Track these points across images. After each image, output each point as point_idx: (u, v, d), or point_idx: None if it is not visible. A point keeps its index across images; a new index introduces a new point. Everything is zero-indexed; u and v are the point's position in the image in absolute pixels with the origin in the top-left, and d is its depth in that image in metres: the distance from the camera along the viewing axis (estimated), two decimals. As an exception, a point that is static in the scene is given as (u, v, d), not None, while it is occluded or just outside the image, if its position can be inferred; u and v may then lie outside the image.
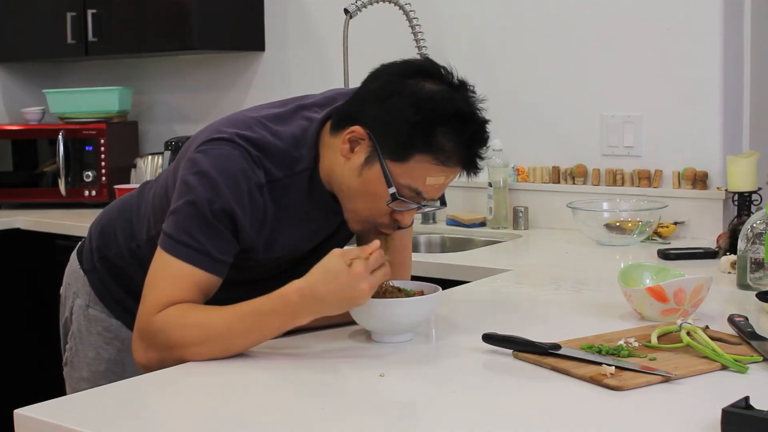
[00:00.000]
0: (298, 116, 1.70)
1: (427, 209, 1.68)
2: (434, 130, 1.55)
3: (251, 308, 1.53)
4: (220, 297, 1.61)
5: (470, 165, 1.61)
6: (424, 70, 1.61)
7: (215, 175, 1.57)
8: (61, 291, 2.01)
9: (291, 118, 1.69)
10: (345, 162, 1.62)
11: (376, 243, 1.53)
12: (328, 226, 1.76)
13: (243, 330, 1.52)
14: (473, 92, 1.63)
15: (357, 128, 1.59)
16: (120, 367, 1.90)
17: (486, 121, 1.61)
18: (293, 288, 1.51)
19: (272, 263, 1.73)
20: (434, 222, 3.22)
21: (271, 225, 1.65)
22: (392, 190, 1.58)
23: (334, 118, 1.66)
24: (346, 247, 1.58)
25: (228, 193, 1.57)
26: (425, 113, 1.55)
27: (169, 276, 1.58)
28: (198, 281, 1.58)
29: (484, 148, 1.61)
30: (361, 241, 1.78)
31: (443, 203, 1.72)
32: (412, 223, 1.88)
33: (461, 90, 1.61)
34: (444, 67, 1.62)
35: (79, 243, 2.01)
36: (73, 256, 1.99)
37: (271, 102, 1.78)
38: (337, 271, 1.49)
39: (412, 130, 1.55)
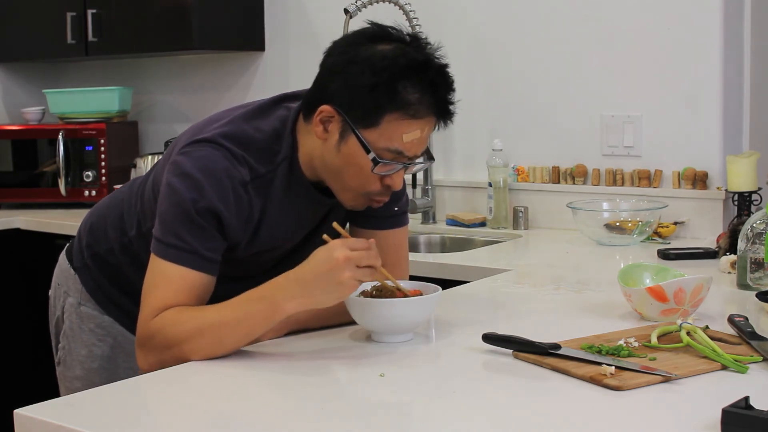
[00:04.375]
0: (279, 107, 1.71)
1: (416, 167, 1.69)
2: (395, 87, 1.56)
3: (241, 297, 1.55)
4: (215, 293, 1.62)
5: (441, 112, 1.62)
6: (374, 34, 1.63)
7: (198, 176, 1.59)
8: (50, 293, 2.02)
9: (272, 109, 1.71)
10: (322, 143, 1.63)
11: (372, 241, 1.55)
12: (311, 217, 1.76)
13: (233, 318, 1.53)
14: (427, 42, 1.64)
15: (324, 107, 1.61)
16: (113, 363, 1.90)
17: (444, 65, 1.63)
18: (281, 275, 1.54)
19: (254, 259, 1.73)
20: (434, 222, 3.22)
21: (258, 221, 1.67)
22: (371, 155, 1.59)
23: (303, 105, 1.67)
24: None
25: (211, 192, 1.58)
26: (382, 73, 1.56)
27: (162, 281, 1.59)
28: (190, 282, 1.58)
29: (451, 92, 1.62)
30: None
31: (430, 158, 1.72)
32: (408, 222, 1.88)
33: (413, 42, 1.62)
34: (392, 27, 1.64)
35: (68, 243, 2.02)
36: (62, 256, 2.00)
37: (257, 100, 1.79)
38: (323, 256, 1.50)
39: (374, 93, 1.56)
